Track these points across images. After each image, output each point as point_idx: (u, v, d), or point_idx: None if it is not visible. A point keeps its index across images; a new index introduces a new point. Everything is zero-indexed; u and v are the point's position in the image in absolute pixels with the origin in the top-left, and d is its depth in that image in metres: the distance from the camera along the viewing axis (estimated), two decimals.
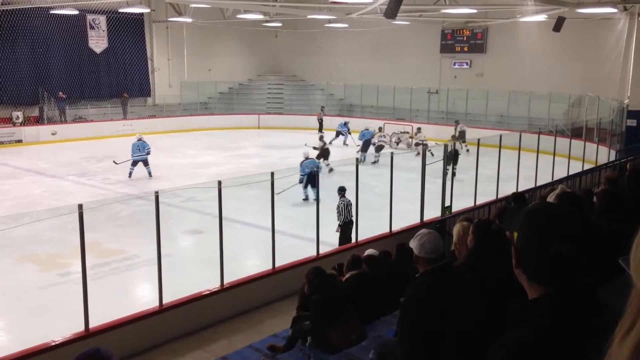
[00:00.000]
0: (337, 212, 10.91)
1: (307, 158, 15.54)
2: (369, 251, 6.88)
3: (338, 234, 10.99)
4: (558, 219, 1.46)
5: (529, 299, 1.46)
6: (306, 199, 14.70)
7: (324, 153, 18.42)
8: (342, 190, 11.07)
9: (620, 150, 18.63)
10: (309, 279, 5.47)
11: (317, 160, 16.09)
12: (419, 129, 23.01)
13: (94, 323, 7.01)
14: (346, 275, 5.99)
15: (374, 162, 19.90)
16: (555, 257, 1.41)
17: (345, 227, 10.86)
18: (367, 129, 21.75)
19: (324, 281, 5.42)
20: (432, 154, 13.29)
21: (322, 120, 26.88)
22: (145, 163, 17.87)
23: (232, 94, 32.66)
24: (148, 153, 17.83)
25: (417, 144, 21.74)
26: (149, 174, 17.87)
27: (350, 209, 10.75)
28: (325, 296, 5.24)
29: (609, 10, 18.12)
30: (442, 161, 11.68)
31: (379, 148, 20.94)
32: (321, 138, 19.79)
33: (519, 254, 1.46)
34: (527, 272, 1.45)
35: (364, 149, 20.97)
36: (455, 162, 14.21)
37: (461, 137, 21.64)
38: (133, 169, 17.75)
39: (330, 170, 16.66)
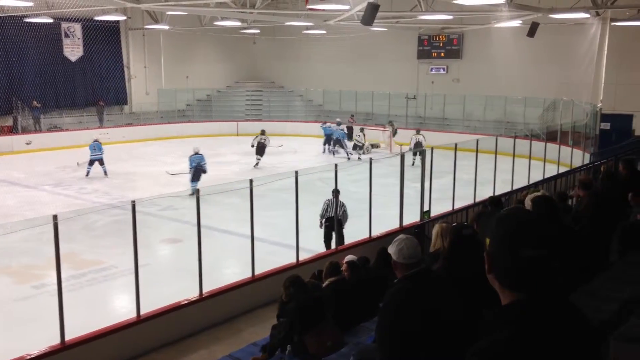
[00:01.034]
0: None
1: (196, 153, 17.05)
2: (348, 257, 6.87)
3: (319, 240, 11.03)
4: (528, 224, 1.46)
5: (502, 304, 1.46)
6: (192, 194, 14.68)
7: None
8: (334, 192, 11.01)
9: (594, 153, 18.93)
10: (285, 287, 5.46)
11: (202, 155, 17.09)
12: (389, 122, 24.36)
13: (70, 335, 6.89)
14: (325, 282, 5.97)
15: (359, 158, 21.13)
16: (526, 262, 1.41)
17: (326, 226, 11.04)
18: (326, 125, 24.37)
19: (300, 289, 5.41)
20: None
21: (352, 127, 26.36)
22: (101, 162, 19.47)
23: (211, 101, 32.51)
24: (102, 153, 19.60)
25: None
26: (105, 172, 19.44)
27: (332, 209, 10.86)
28: (301, 304, 5.22)
29: (582, 16, 18.43)
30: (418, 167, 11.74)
31: (355, 147, 23.09)
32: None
33: (491, 260, 1.46)
34: (499, 278, 1.45)
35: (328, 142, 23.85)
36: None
37: (417, 147, 21.68)
38: (90, 168, 19.39)
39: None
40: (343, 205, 11.03)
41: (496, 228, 1.47)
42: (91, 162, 19.32)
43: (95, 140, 19.72)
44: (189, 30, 27.77)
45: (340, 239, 10.82)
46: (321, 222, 11.01)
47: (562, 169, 16.06)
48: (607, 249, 3.68)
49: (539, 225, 1.46)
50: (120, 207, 11.85)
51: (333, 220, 10.91)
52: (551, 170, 15.61)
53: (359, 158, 21.84)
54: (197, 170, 16.71)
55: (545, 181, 13.81)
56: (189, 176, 16.95)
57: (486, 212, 5.34)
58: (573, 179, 13.18)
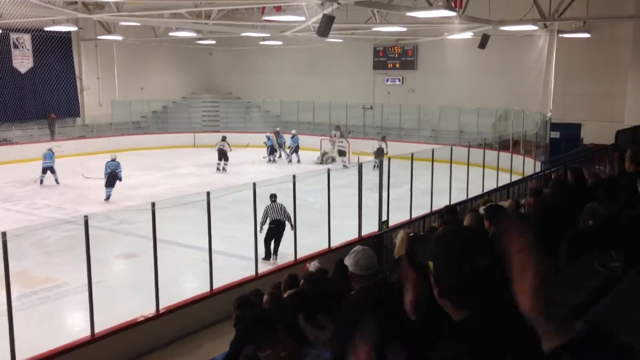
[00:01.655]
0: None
1: (113, 160, 17.95)
2: (313, 263, 6.89)
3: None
4: (465, 238, 1.51)
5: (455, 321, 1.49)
6: (107, 198, 17.24)
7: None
8: (271, 196, 11.59)
9: (545, 162, 19.49)
10: (234, 309, 5.51)
11: (118, 163, 17.95)
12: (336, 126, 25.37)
13: (21, 356, 6.66)
14: (284, 295, 5.96)
15: (345, 167, 21.00)
16: (471, 275, 1.44)
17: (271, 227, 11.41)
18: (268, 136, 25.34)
19: (247, 309, 5.46)
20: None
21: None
22: (52, 171, 20.05)
23: (166, 113, 32.08)
24: (53, 161, 20.22)
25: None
26: (56, 180, 19.98)
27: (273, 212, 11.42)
28: (249, 323, 5.25)
29: (531, 28, 19.07)
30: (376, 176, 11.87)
31: (341, 153, 24.21)
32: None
33: (438, 282, 1.48)
34: (450, 298, 1.47)
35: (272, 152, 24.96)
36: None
37: (378, 153, 22.50)
38: (43, 177, 19.96)
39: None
40: (283, 207, 11.44)
41: (436, 249, 1.50)
42: (44, 171, 19.98)
43: (49, 150, 20.41)
44: (143, 41, 27.39)
45: (279, 242, 11.39)
46: (262, 227, 11.09)
47: (515, 177, 16.49)
48: (556, 255, 3.80)
49: (476, 238, 1.51)
50: (73, 222, 11.53)
51: (278, 222, 11.35)
52: (504, 179, 16.01)
53: (344, 166, 21.92)
54: (112, 176, 17.63)
55: (498, 189, 14.14)
56: (103, 181, 17.85)
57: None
58: (525, 187, 13.54)
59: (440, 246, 1.50)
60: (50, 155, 20.19)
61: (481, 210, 5.72)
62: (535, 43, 21.81)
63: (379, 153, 22.69)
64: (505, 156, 18.13)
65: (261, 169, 22.70)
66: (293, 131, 25.79)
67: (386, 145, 22.89)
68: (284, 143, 25.89)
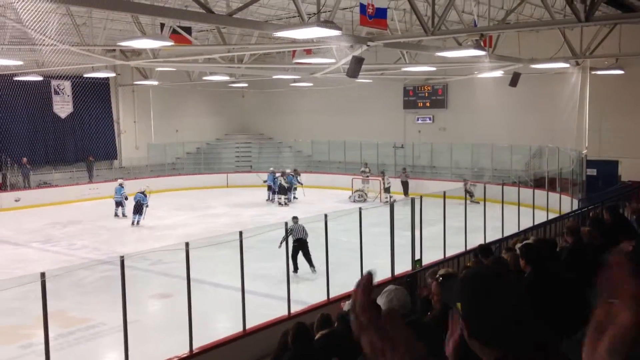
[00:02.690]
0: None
1: (121, 185, 21.40)
2: (348, 303, 6.83)
3: (311, 292, 10.98)
4: (497, 280, 1.51)
5: None
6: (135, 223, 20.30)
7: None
8: (294, 218, 13.73)
9: (582, 200, 19.11)
10: (286, 335, 5.38)
11: (142, 195, 20.70)
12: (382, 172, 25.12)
13: None
14: (317, 335, 5.90)
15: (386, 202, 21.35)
16: (504, 316, 1.43)
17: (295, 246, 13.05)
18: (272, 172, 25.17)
19: (301, 341, 5.34)
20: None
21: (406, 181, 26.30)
22: (121, 205, 21.89)
23: (200, 154, 32.70)
24: (126, 198, 21.93)
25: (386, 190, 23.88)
26: (123, 214, 21.79)
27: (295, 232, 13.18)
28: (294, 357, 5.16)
29: (562, 66, 18.98)
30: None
31: (387, 190, 23.98)
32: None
33: (469, 324, 1.47)
34: (481, 338, 1.46)
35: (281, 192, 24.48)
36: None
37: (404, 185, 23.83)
38: (117, 210, 21.95)
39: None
40: (304, 227, 13.40)
41: (463, 290, 1.50)
42: (116, 205, 21.97)
43: (120, 184, 22.35)
44: (178, 85, 28.19)
45: (308, 255, 13.24)
46: (280, 244, 12.04)
47: (552, 215, 16.18)
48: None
49: (508, 279, 1.51)
50: (109, 263, 11.72)
51: (300, 240, 13.18)
52: (540, 217, 15.72)
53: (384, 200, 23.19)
54: (138, 205, 20.40)
55: (535, 228, 13.89)
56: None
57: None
58: (562, 226, 13.27)
59: (467, 287, 1.50)
60: (118, 189, 21.89)
61: (516, 249, 5.64)
62: (568, 80, 21.71)
63: (405, 184, 23.18)
64: (540, 194, 17.83)
65: (292, 209, 22.79)
66: (287, 170, 25.94)
67: (386, 180, 24.11)
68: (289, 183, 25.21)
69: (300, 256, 13.24)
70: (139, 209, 20.39)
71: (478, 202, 17.51)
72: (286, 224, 11.47)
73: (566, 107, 21.73)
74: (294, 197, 25.27)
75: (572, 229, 5.69)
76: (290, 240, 12.29)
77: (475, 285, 1.50)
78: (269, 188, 25.18)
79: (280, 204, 24.32)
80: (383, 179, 24.53)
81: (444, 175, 26.74)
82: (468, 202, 17.91)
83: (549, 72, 21.26)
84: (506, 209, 14.95)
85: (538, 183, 19.81)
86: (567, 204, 18.77)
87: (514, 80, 19.42)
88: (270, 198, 25.05)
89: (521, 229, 13.92)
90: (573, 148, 21.35)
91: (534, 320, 1.44)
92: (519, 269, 4.44)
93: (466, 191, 21.79)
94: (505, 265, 5.04)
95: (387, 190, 24.33)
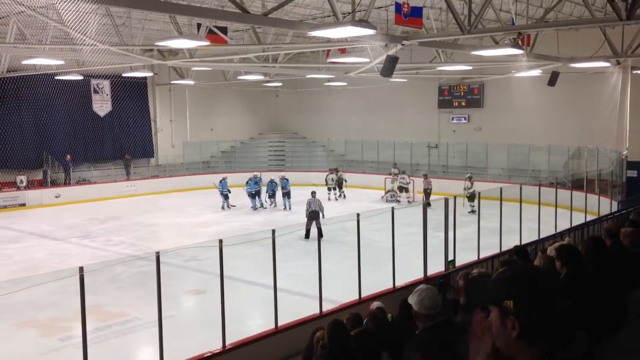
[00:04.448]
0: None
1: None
2: (375, 303, 6.82)
3: (343, 290, 10.96)
4: (548, 277, 1.49)
5: None
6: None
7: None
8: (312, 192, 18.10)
9: (622, 201, 18.62)
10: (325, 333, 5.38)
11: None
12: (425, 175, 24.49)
13: None
14: (352, 333, 5.90)
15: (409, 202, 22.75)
16: (556, 313, 1.42)
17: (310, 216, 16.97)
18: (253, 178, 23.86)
19: (336, 338, 5.33)
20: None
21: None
22: (225, 197, 23.07)
23: (234, 152, 33.04)
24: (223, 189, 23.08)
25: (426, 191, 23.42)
26: (228, 206, 23.22)
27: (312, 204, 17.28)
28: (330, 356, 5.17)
29: (602, 65, 18.49)
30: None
31: (401, 189, 24.24)
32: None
33: (520, 322, 1.45)
34: (531, 337, 1.44)
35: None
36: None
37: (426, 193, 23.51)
38: (224, 202, 23.14)
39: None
40: (319, 201, 17.54)
41: (519, 288, 1.47)
42: (225, 197, 23.07)
43: (223, 179, 23.36)
44: (213, 85, 28.55)
45: (319, 225, 15.79)
46: (307, 213, 17.16)
47: (590, 217, 15.81)
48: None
49: (556, 276, 1.49)
50: (145, 258, 11.94)
51: (315, 212, 16.92)
52: (578, 219, 15.38)
53: (408, 202, 23.62)
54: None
55: (572, 229, 13.60)
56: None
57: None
58: (600, 228, 12.96)
59: (524, 284, 1.48)
60: (222, 184, 22.99)
61: (551, 250, 5.53)
62: (608, 80, 21.17)
63: (427, 192, 23.28)
64: (578, 195, 17.43)
65: (325, 207, 22.79)
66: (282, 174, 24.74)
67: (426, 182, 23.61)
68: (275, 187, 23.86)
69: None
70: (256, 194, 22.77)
71: (474, 211, 16.96)
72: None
73: (606, 107, 21.20)
74: (284, 205, 23.11)
75: (611, 231, 5.54)
76: (307, 210, 17.03)
77: (531, 281, 1.48)
78: (251, 195, 23.39)
79: (263, 206, 23.13)
80: (399, 179, 24.53)
81: (479, 175, 26.38)
82: (467, 208, 17.78)
83: (588, 71, 20.77)
84: (543, 211, 14.67)
85: (576, 184, 19.36)
86: (606, 205, 18.31)
87: (553, 79, 19.03)
88: (255, 205, 23.36)
89: (558, 230, 13.65)
90: (613, 149, 20.81)
91: (577, 320, 1.43)
92: (555, 271, 4.35)
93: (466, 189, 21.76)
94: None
95: (403, 189, 24.45)
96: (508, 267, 1.76)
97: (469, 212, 17.95)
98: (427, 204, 12.23)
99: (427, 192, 23.12)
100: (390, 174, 25.93)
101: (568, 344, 1.42)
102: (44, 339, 10.02)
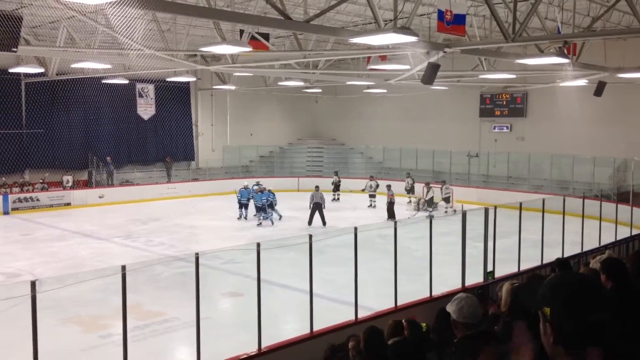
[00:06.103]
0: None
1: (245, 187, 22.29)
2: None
3: (378, 298, 10.93)
4: (589, 287, 1.47)
5: None
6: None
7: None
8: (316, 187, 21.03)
9: None
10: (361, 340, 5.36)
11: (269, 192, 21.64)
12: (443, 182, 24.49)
13: None
14: (389, 342, 5.86)
15: (446, 212, 22.44)
16: (593, 325, 1.40)
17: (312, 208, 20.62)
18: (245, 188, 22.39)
19: (371, 346, 5.32)
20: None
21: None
22: (244, 206, 21.92)
23: (273, 157, 33.31)
24: (244, 198, 22.15)
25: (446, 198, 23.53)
26: (244, 217, 21.94)
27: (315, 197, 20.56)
28: None
29: None
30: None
31: (447, 200, 23.45)
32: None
33: (556, 329, 1.44)
34: (567, 345, 1.43)
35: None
36: None
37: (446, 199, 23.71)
38: (241, 212, 22.03)
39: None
40: (322, 194, 20.41)
41: (555, 295, 1.46)
42: (246, 207, 21.92)
43: (244, 187, 22.39)
44: (254, 90, 28.89)
45: (322, 214, 20.11)
46: (310, 205, 20.39)
47: (635, 232, 15.32)
48: None
49: (599, 287, 1.47)
50: (184, 259, 12.14)
51: (317, 204, 20.06)
52: (623, 233, 14.92)
53: (446, 211, 23.12)
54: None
55: (617, 243, 13.21)
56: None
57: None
58: None
59: (560, 292, 1.47)
60: (242, 192, 21.94)
61: (596, 264, 5.38)
62: None
63: (447, 199, 23.37)
64: (624, 209, 16.91)
65: (361, 215, 22.77)
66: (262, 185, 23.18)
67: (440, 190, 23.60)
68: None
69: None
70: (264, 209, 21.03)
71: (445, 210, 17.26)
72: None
73: None
74: (272, 216, 21.60)
75: None
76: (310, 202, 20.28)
77: (572, 291, 1.47)
78: (241, 205, 22.07)
79: (259, 223, 20.99)
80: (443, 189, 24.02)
81: (520, 186, 25.90)
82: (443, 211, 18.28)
83: (636, 81, 20.19)
84: (586, 224, 14.29)
85: (622, 197, 18.79)
86: None
87: (599, 89, 18.57)
88: (243, 215, 22.02)
89: (602, 244, 13.27)
90: None
91: (619, 330, 1.40)
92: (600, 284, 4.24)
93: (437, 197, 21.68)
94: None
95: (429, 202, 23.72)
96: (557, 273, 1.74)
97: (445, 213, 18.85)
98: (431, 215, 12.26)
99: (446, 199, 23.43)
100: (426, 183, 25.22)
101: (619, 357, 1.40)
102: (85, 336, 10.27)
